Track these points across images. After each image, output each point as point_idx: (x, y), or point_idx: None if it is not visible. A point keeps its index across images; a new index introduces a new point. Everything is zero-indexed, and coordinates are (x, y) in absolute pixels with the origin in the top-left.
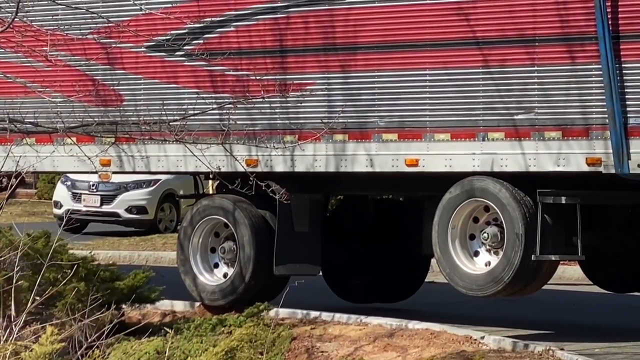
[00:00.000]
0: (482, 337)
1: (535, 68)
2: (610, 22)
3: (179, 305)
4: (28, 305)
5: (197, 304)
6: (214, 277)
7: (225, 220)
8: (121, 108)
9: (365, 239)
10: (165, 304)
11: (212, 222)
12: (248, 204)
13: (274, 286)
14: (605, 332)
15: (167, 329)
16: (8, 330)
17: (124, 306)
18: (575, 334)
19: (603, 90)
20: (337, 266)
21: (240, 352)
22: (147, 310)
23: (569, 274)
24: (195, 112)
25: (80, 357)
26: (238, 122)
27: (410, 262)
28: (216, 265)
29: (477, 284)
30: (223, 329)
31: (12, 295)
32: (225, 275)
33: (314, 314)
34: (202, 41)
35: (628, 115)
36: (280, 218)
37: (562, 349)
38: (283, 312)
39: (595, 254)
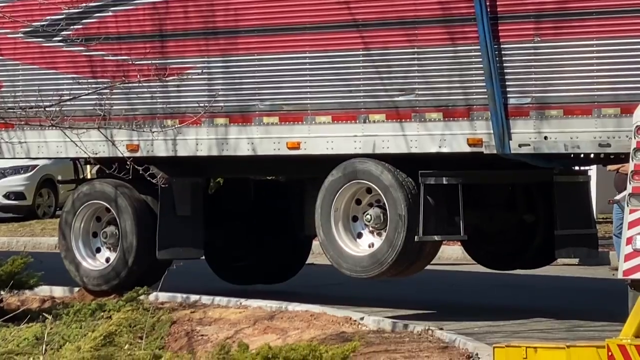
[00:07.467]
0: (362, 318)
1: (415, 50)
2: (488, 3)
3: (58, 291)
4: None
5: (77, 289)
6: (97, 262)
7: (107, 205)
8: None
9: (247, 221)
10: (44, 290)
11: (93, 207)
12: (129, 189)
13: (157, 270)
14: (484, 311)
15: (46, 315)
16: None
17: (2, 292)
18: (455, 313)
19: (483, 72)
20: (219, 249)
21: (120, 337)
22: (26, 297)
23: (448, 254)
24: (71, 96)
25: None
26: (117, 107)
27: (292, 243)
28: (98, 250)
29: (361, 266)
30: (102, 313)
31: None
32: (107, 260)
33: (193, 297)
34: (80, 26)
35: (508, 95)
36: (162, 202)
37: (441, 329)
38: (163, 296)
39: (477, 233)
